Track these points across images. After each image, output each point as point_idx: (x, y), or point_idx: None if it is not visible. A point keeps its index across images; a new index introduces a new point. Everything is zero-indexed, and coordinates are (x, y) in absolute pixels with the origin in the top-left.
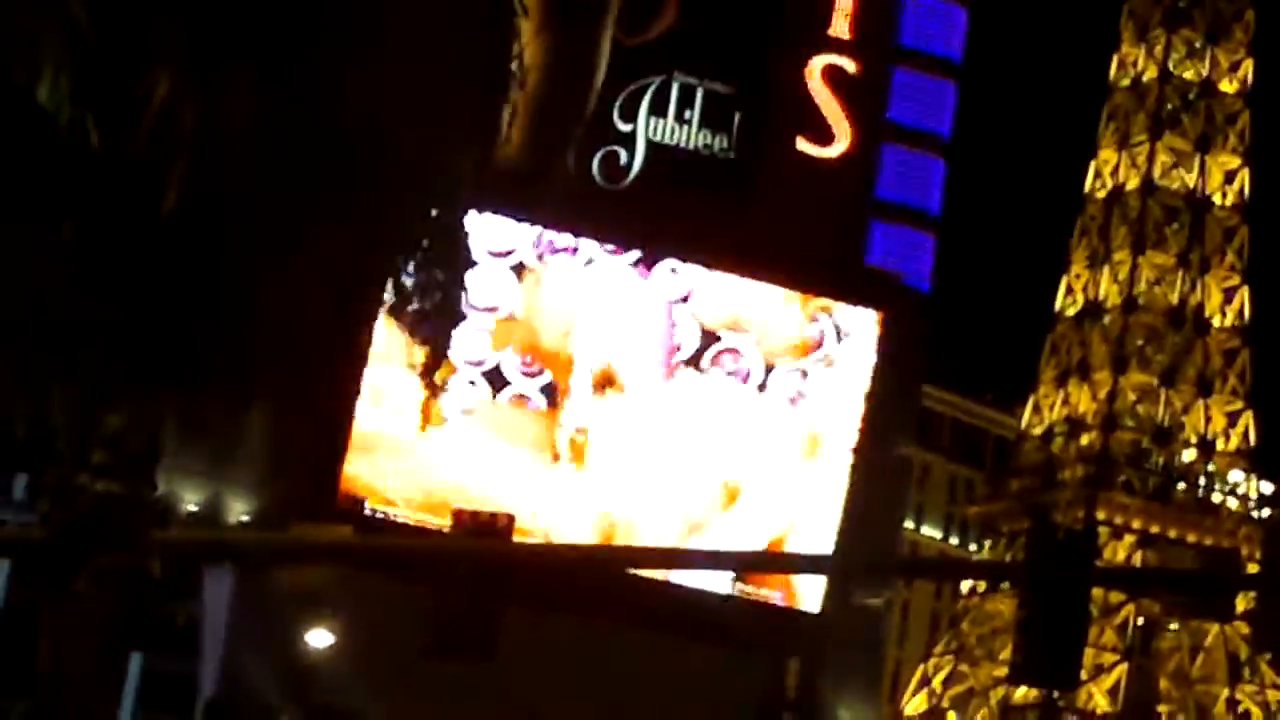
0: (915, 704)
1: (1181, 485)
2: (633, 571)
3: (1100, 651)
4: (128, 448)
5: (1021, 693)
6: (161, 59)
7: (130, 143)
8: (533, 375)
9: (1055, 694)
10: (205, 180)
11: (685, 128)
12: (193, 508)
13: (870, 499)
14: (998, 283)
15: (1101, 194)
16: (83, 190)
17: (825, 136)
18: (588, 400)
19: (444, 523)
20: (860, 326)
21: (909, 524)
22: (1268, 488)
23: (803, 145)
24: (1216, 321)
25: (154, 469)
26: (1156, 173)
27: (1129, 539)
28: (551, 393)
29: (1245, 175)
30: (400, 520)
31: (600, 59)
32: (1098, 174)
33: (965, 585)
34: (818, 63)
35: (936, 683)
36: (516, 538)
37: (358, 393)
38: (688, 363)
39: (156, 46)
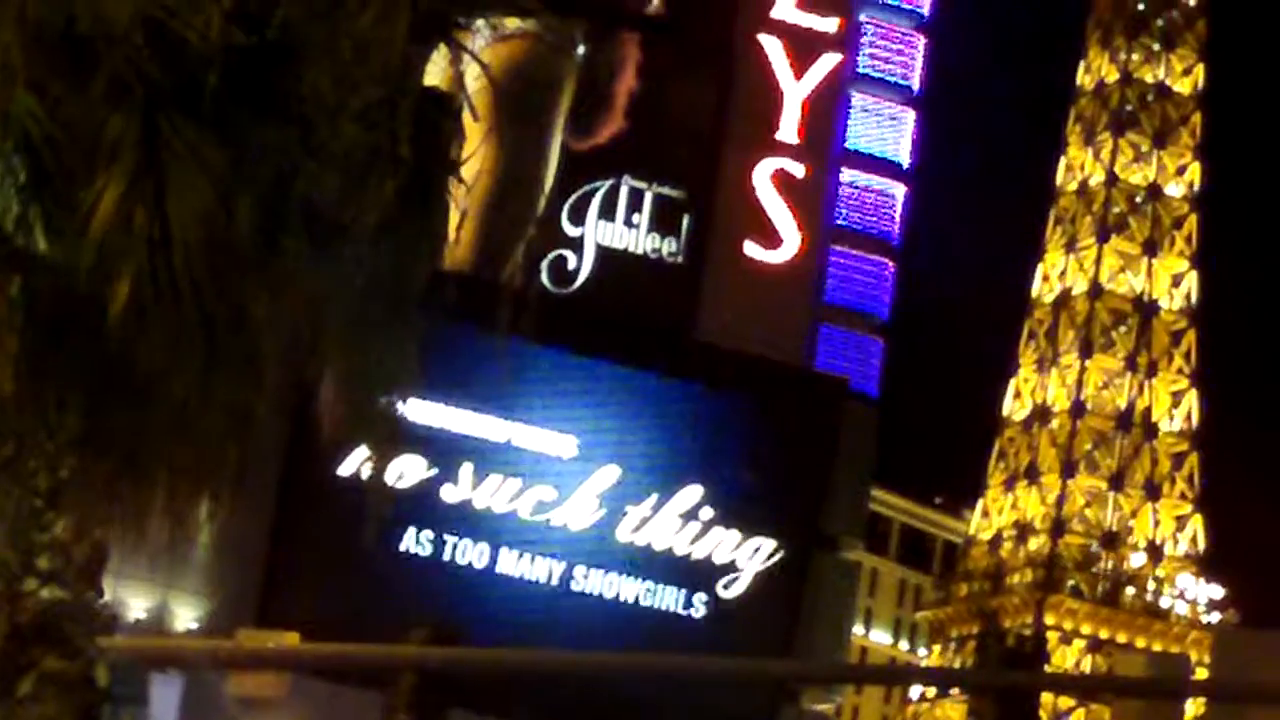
0: None
1: (1130, 590)
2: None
3: None
4: (74, 554)
5: None
6: (113, 159)
7: (79, 246)
8: None
9: None
10: (154, 283)
11: (634, 231)
12: (140, 614)
13: (818, 603)
14: (946, 387)
15: (1049, 298)
16: (30, 293)
17: (773, 240)
18: None
19: None
20: None
21: (858, 629)
22: (1217, 592)
23: (750, 249)
24: (1164, 425)
25: (100, 575)
26: (1104, 276)
27: (1078, 644)
28: None
29: (1192, 279)
30: None
31: (549, 162)
32: (1045, 277)
33: (915, 691)
34: (766, 166)
35: None
36: None
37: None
38: None
39: (107, 146)
